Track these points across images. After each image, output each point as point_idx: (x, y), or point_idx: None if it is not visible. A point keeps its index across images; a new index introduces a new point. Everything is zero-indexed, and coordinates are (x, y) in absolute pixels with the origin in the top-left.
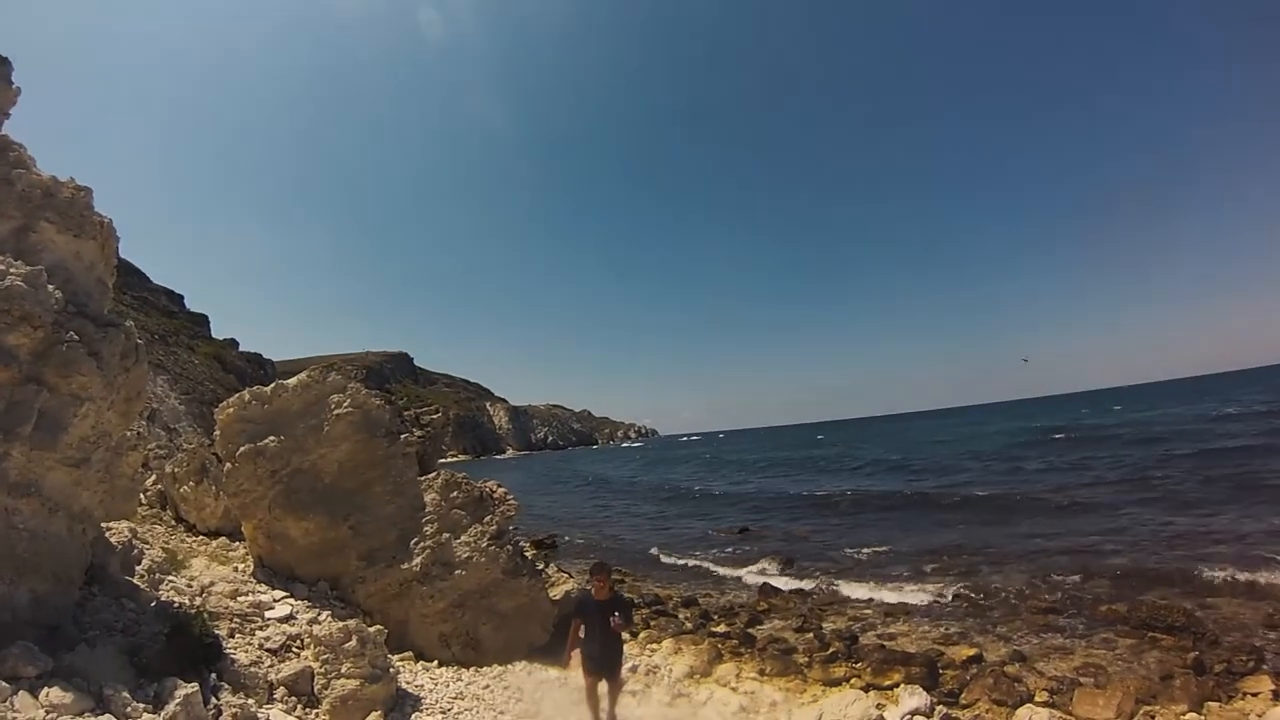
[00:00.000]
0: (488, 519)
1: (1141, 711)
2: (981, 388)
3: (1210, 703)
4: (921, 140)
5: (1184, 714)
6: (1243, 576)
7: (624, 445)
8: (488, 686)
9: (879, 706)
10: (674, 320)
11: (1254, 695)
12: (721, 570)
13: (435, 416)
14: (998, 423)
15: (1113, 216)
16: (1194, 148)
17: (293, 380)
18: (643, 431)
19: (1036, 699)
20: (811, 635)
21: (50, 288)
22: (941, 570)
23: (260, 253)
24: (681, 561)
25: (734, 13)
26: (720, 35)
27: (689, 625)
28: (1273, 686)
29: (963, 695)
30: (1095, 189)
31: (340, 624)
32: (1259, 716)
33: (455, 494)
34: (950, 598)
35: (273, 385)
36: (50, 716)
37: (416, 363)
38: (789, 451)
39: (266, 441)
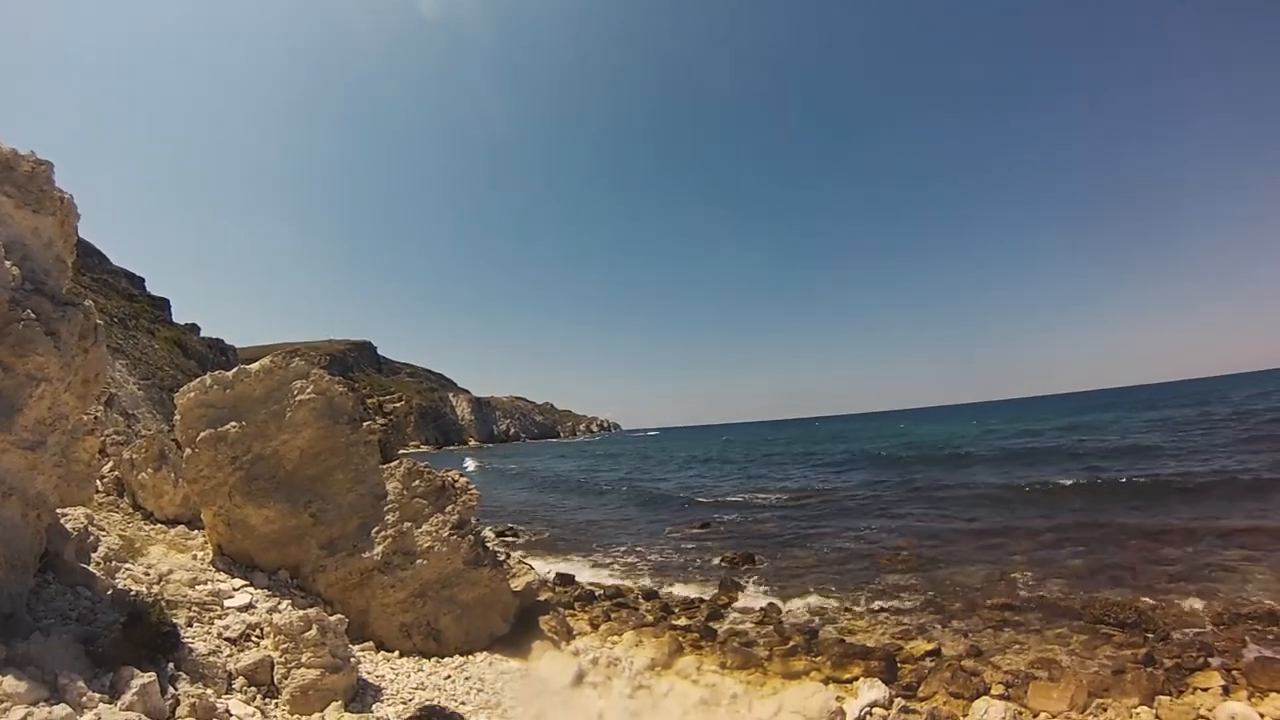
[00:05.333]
0: (449, 509)
1: (1094, 704)
2: (960, 386)
3: (1161, 696)
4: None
5: (1135, 708)
6: (1194, 575)
7: (583, 439)
8: (449, 677)
9: (839, 699)
10: (641, 319)
11: (1204, 690)
12: (683, 564)
13: (398, 405)
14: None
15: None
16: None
17: (255, 365)
18: (604, 425)
19: (992, 692)
20: (772, 629)
21: (7, 264)
22: (901, 567)
23: (223, 239)
24: (643, 555)
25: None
26: (692, 29)
27: (650, 618)
28: (1222, 682)
29: (921, 688)
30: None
31: (300, 613)
32: (1209, 711)
33: (417, 483)
34: (909, 594)
35: (235, 370)
36: (3, 706)
37: (380, 352)
38: (750, 448)
39: (228, 427)
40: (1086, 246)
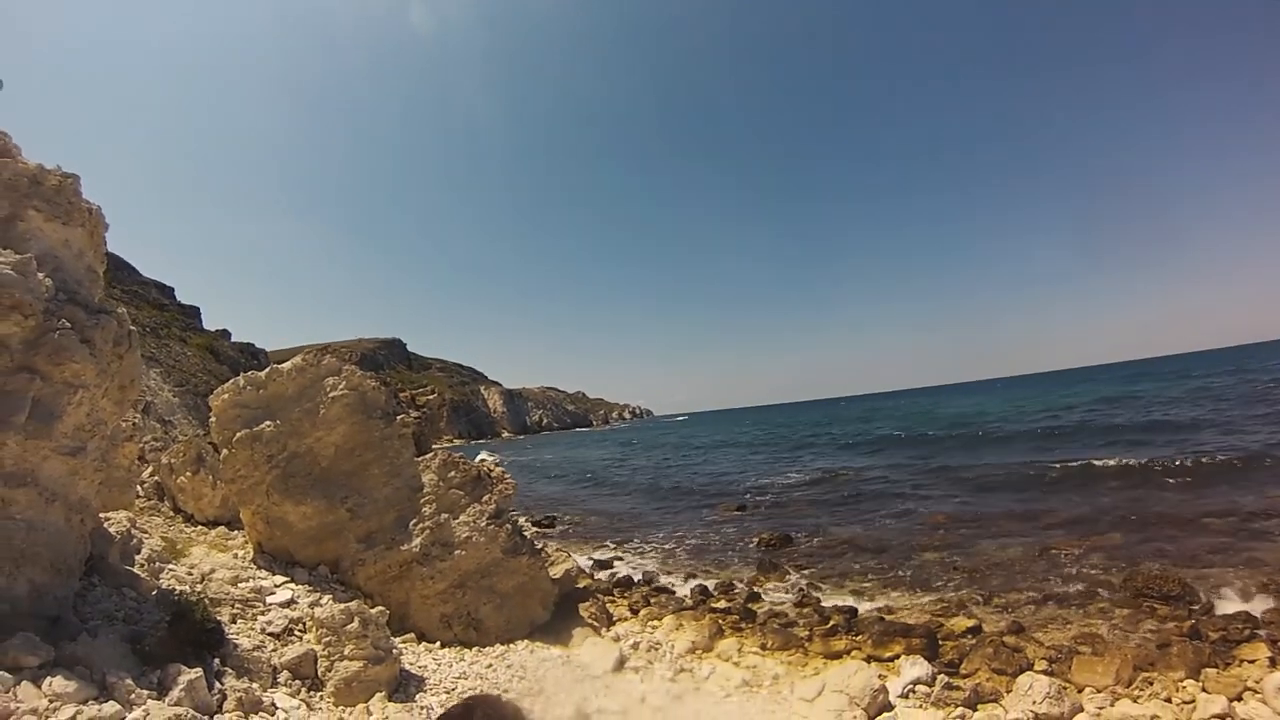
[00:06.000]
0: (485, 498)
1: (1140, 678)
2: (971, 365)
3: (1207, 669)
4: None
5: (1182, 681)
6: (1238, 548)
7: (613, 427)
8: (490, 666)
9: (881, 677)
10: (670, 305)
11: (1250, 662)
12: (720, 547)
13: (431, 397)
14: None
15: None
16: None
17: (287, 364)
18: (636, 412)
19: (1036, 667)
20: (811, 609)
21: (40, 275)
22: (939, 544)
23: (250, 244)
24: (680, 540)
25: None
26: (712, 29)
27: (689, 602)
28: (1269, 654)
29: (963, 665)
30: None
31: (342, 606)
32: (1256, 683)
33: (453, 474)
34: (948, 572)
35: (267, 370)
36: (54, 705)
37: (410, 348)
38: (779, 430)
39: (262, 426)
40: (1111, 218)
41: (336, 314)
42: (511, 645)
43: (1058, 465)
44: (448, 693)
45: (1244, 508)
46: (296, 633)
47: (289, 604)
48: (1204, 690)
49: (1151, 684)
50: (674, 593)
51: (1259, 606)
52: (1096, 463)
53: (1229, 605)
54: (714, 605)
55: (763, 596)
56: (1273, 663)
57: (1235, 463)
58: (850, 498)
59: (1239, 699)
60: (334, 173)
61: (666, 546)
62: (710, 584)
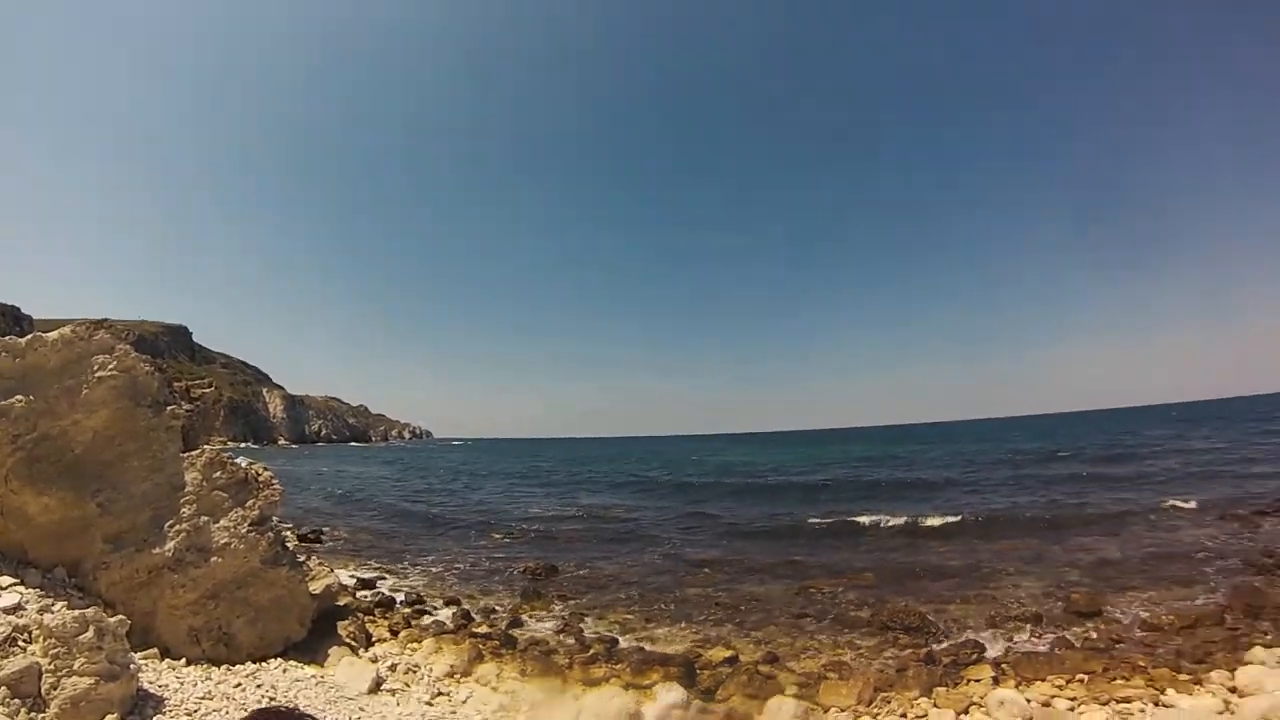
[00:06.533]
0: (250, 503)
1: (879, 697)
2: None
3: (939, 688)
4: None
5: (916, 699)
6: (971, 586)
7: (390, 445)
8: (239, 685)
9: (638, 703)
10: (462, 324)
11: (977, 681)
12: (486, 573)
13: (207, 390)
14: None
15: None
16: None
17: (53, 334)
18: (416, 433)
19: (786, 692)
20: (572, 638)
21: None
22: (702, 581)
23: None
24: (448, 564)
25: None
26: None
27: (451, 625)
28: (992, 674)
29: (719, 691)
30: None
31: (76, 614)
32: (980, 698)
33: (219, 474)
34: (708, 606)
35: (28, 337)
36: None
37: (196, 339)
38: (565, 464)
39: (11, 401)
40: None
41: (120, 289)
42: (264, 664)
43: (820, 518)
44: (189, 714)
45: (979, 555)
46: (20, 643)
47: (15, 610)
48: (935, 706)
49: (889, 702)
50: (436, 615)
51: (985, 635)
52: (854, 518)
53: (961, 635)
54: (476, 630)
55: (525, 623)
56: (995, 681)
57: (977, 519)
58: (619, 535)
59: (965, 712)
60: (124, 115)
61: (434, 570)
62: (473, 609)
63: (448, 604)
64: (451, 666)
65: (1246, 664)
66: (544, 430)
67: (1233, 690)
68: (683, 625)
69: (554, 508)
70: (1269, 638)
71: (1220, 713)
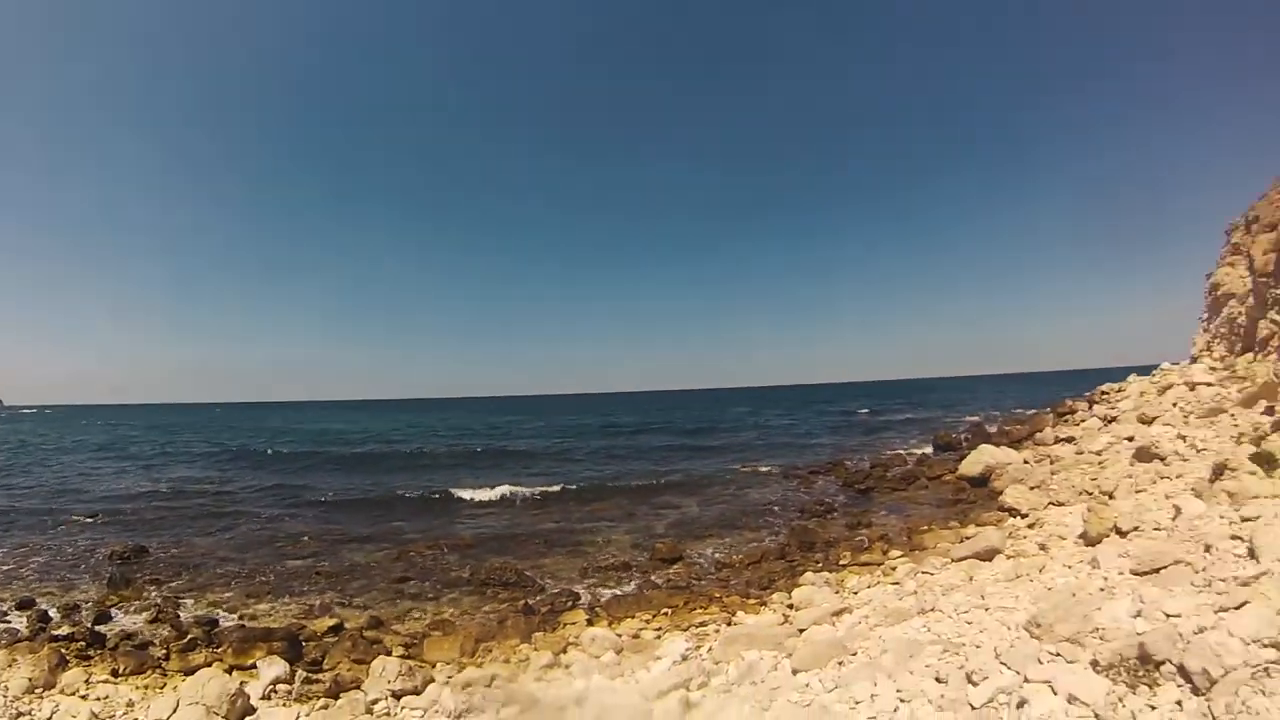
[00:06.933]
0: None
1: (481, 648)
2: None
3: (537, 634)
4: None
5: (517, 645)
6: (564, 541)
7: None
8: None
9: (241, 683)
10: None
11: (572, 624)
12: (68, 563)
13: None
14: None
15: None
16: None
17: None
18: None
19: (394, 654)
20: (168, 626)
21: None
22: (302, 553)
23: None
24: (22, 556)
25: None
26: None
27: (26, 631)
28: (586, 617)
29: (325, 661)
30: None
31: None
32: (576, 638)
33: None
34: (311, 577)
35: None
36: None
37: None
38: (154, 432)
39: None
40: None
41: None
42: None
43: (419, 487)
44: None
45: (574, 517)
46: None
47: None
48: (535, 650)
49: (491, 651)
50: (7, 623)
51: (580, 586)
52: (453, 489)
53: (556, 586)
54: (56, 632)
55: (115, 616)
56: (590, 623)
57: (574, 486)
58: (213, 510)
59: (564, 651)
60: None
61: (5, 568)
62: (53, 607)
63: (21, 607)
64: (30, 680)
65: (801, 585)
66: (128, 397)
67: (790, 607)
68: (285, 599)
69: (143, 483)
70: (819, 565)
71: (780, 624)
